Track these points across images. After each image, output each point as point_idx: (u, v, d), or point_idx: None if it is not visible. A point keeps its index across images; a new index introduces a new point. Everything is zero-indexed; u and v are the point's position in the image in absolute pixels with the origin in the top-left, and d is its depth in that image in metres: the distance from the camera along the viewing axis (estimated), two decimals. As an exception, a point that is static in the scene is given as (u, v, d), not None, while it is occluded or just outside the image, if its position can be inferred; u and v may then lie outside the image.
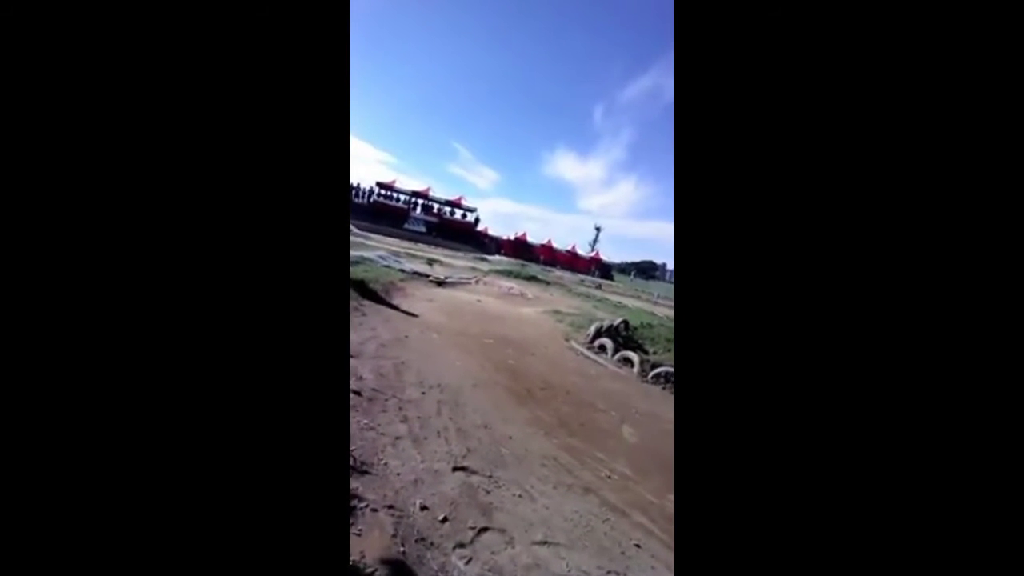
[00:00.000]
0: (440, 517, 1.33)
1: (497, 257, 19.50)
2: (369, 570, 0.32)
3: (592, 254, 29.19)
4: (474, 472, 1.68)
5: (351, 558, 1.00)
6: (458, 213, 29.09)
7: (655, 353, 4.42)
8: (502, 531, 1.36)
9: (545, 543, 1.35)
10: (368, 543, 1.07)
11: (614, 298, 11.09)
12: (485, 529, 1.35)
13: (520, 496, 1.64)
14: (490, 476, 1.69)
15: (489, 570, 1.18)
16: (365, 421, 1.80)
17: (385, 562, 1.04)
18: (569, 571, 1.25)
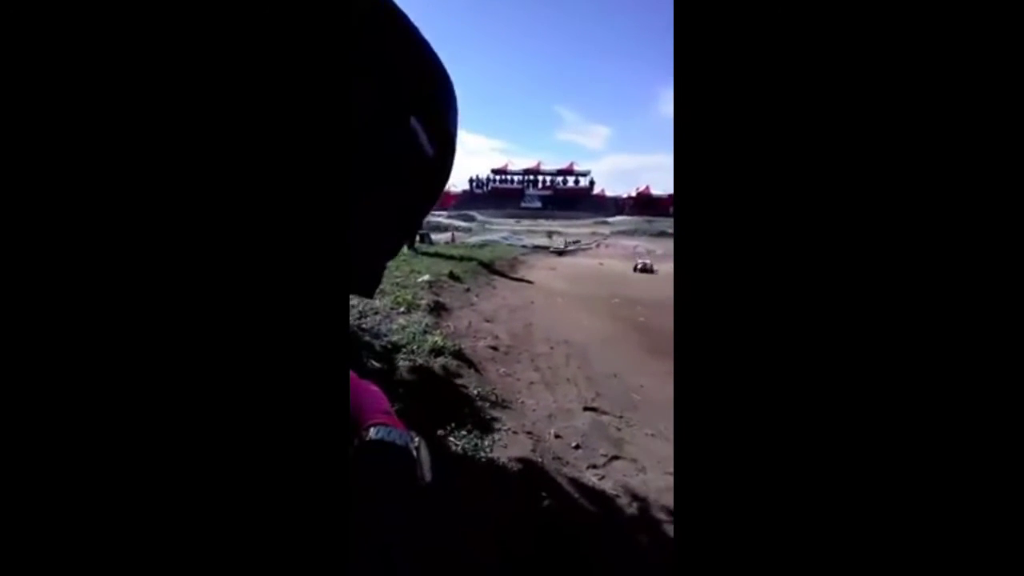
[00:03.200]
0: (573, 444, 1.50)
1: (619, 217, 18.42)
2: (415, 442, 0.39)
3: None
4: (604, 413, 1.79)
5: (497, 458, 1.25)
6: (571, 180, 28.45)
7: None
8: (633, 460, 1.44)
9: (680, 474, 1.37)
10: (510, 451, 1.31)
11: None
12: (616, 457, 1.45)
13: (652, 435, 1.67)
14: (620, 416, 1.76)
15: (622, 487, 1.28)
16: (503, 370, 2.10)
17: (522, 461, 1.26)
18: (705, 498, 1.24)
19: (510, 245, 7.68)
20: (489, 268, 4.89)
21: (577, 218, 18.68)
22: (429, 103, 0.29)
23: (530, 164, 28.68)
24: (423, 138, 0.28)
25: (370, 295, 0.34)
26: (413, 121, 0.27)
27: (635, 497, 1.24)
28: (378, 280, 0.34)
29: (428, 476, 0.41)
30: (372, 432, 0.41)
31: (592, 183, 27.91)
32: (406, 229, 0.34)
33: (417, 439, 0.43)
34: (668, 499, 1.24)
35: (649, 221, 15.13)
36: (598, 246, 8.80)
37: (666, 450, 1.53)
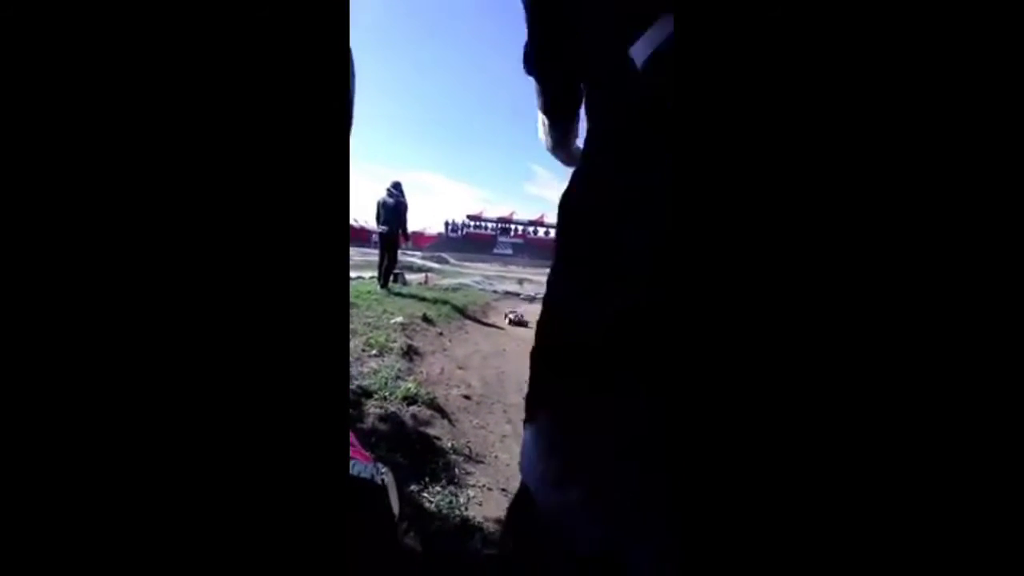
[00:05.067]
0: (547, 502, 1.47)
1: (586, 270, 19.34)
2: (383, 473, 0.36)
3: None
4: (577, 468, 1.78)
5: (473, 518, 1.20)
6: (541, 231, 29.78)
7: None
8: (608, 521, 1.42)
9: (653, 536, 1.37)
10: (486, 510, 1.26)
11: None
12: (591, 517, 1.43)
13: (625, 493, 1.67)
14: (593, 473, 1.76)
15: (596, 551, 1.26)
16: (476, 421, 2.06)
17: (499, 522, 1.21)
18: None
19: (482, 290, 7.76)
20: (462, 312, 4.88)
21: (546, 267, 19.33)
22: None
23: (505, 212, 29.91)
24: None
25: None
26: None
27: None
28: None
29: (396, 508, 0.40)
30: None
31: (562, 235, 29.42)
32: None
33: (384, 469, 0.42)
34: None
35: (614, 275, 16.06)
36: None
37: (638, 510, 1.54)
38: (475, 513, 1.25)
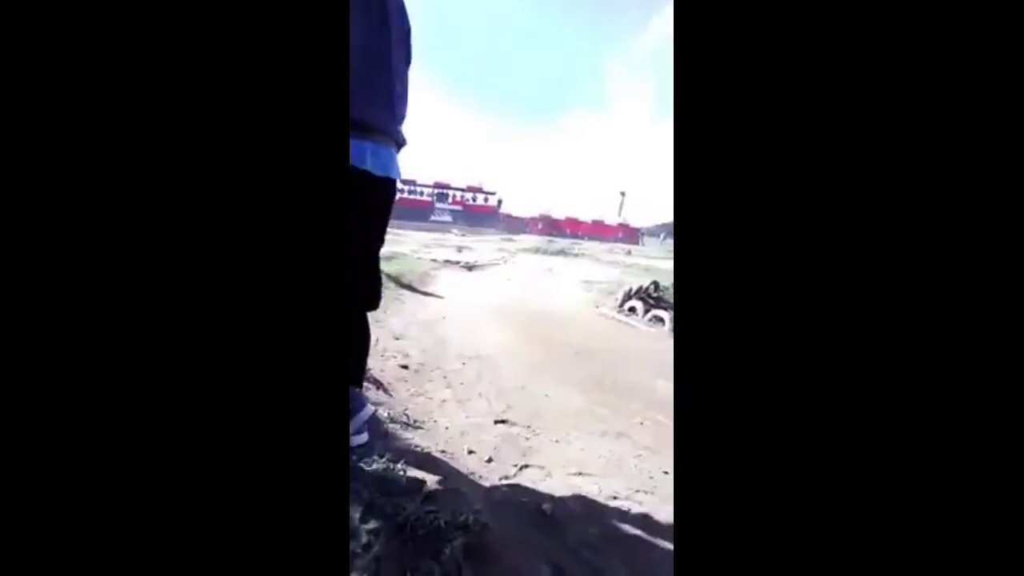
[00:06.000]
0: (486, 459, 1.54)
1: (524, 236, 19.63)
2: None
3: (619, 221, 28.74)
4: (514, 424, 1.88)
5: (412, 480, 1.22)
6: (480, 199, 29.24)
7: (689, 310, 4.40)
8: (541, 467, 1.55)
9: (580, 474, 1.52)
10: (422, 472, 1.29)
11: (644, 262, 10.84)
12: (526, 466, 1.54)
13: (557, 442, 1.82)
14: (528, 427, 1.88)
15: (531, 494, 1.37)
16: (414, 389, 2.05)
17: (439, 482, 1.26)
18: (600, 492, 1.42)
19: (419, 259, 7.49)
20: (397, 282, 4.69)
21: (486, 234, 19.23)
22: None
23: (441, 179, 28.60)
24: None
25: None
26: None
27: (542, 500, 1.35)
28: None
29: None
30: None
31: (500, 202, 29.16)
32: None
33: None
34: (572, 500, 1.38)
35: (550, 241, 16.54)
36: (506, 263, 9.18)
37: (569, 454, 1.69)
38: (413, 475, 1.27)
